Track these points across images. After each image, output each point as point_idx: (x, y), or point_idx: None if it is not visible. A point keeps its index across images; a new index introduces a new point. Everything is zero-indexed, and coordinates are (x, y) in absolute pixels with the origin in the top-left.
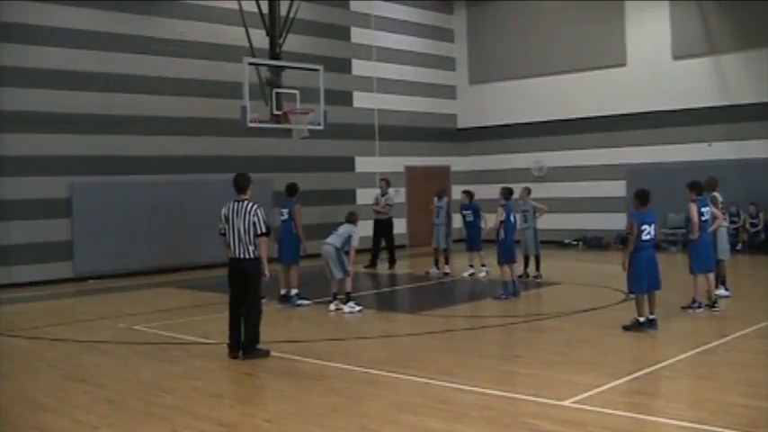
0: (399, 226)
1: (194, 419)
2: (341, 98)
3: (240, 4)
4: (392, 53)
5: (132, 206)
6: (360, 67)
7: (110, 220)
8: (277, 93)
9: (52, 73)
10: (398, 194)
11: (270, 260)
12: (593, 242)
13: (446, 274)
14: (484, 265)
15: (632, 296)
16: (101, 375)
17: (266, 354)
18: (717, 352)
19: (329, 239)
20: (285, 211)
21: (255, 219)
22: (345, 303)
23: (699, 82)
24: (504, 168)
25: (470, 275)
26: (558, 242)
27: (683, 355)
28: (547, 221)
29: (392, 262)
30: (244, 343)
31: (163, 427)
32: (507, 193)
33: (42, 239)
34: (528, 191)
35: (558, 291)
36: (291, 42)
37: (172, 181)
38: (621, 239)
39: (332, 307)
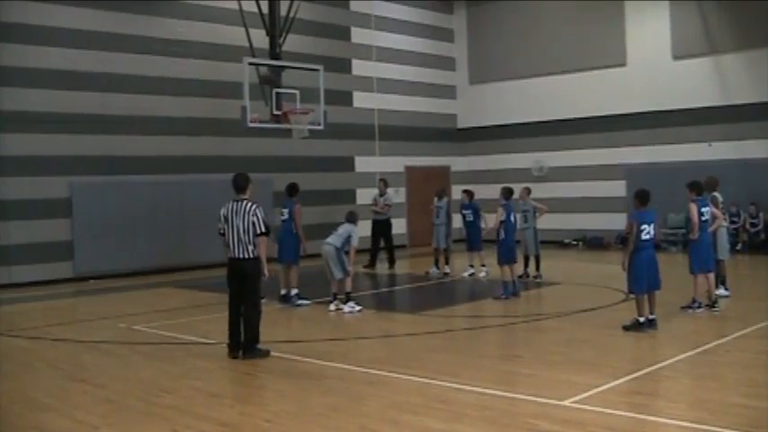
0: (399, 226)
1: (194, 419)
2: (341, 98)
3: (240, 4)
4: (392, 53)
5: (132, 206)
6: (360, 67)
7: (110, 220)
8: (277, 93)
9: (52, 73)
10: (398, 194)
11: (270, 260)
12: (593, 242)
13: (446, 274)
14: (484, 265)
15: (632, 296)
16: (101, 375)
17: (266, 354)
18: (717, 352)
19: (329, 239)
20: (285, 211)
21: (255, 218)
22: (345, 303)
23: (699, 82)
24: (504, 168)
25: (470, 275)
26: (558, 242)
27: (683, 355)
28: (547, 221)
29: (392, 262)
30: (244, 343)
31: (163, 427)
32: (507, 193)
33: (42, 239)
34: (528, 191)
35: (558, 291)
36: (291, 42)
37: (172, 181)
38: (621, 239)
39: (332, 307)
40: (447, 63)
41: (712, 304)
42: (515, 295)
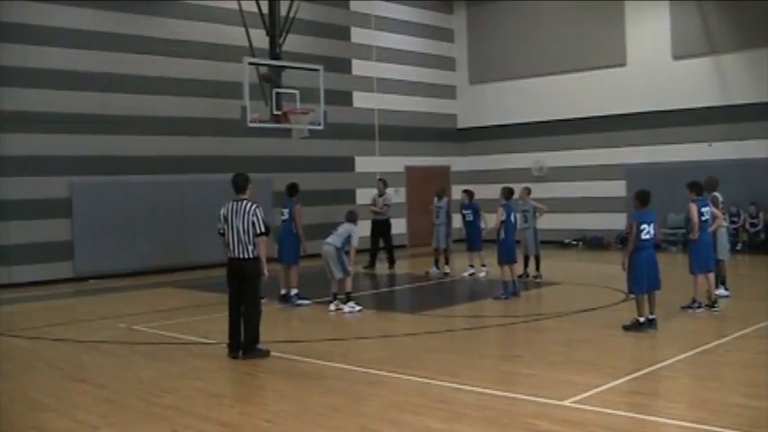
0: (400, 226)
1: (194, 419)
2: (341, 98)
3: (240, 4)
4: (392, 53)
5: (132, 206)
6: (360, 67)
7: (110, 220)
8: (277, 93)
9: (52, 73)
10: (398, 194)
11: (270, 260)
12: (593, 242)
13: (446, 274)
14: (484, 265)
15: (632, 296)
16: (101, 375)
17: (266, 354)
18: (717, 352)
19: (329, 239)
20: (286, 211)
21: (254, 218)
22: (345, 303)
23: (699, 82)
24: (504, 168)
25: (470, 275)
26: (558, 242)
27: (683, 355)
28: (547, 221)
29: (392, 262)
30: (244, 343)
31: (163, 427)
32: (508, 193)
33: (42, 239)
34: (528, 191)
35: (558, 291)
36: (291, 42)
37: (172, 181)
38: (621, 239)
39: (332, 307)
40: (447, 63)
41: (712, 304)
42: (515, 295)
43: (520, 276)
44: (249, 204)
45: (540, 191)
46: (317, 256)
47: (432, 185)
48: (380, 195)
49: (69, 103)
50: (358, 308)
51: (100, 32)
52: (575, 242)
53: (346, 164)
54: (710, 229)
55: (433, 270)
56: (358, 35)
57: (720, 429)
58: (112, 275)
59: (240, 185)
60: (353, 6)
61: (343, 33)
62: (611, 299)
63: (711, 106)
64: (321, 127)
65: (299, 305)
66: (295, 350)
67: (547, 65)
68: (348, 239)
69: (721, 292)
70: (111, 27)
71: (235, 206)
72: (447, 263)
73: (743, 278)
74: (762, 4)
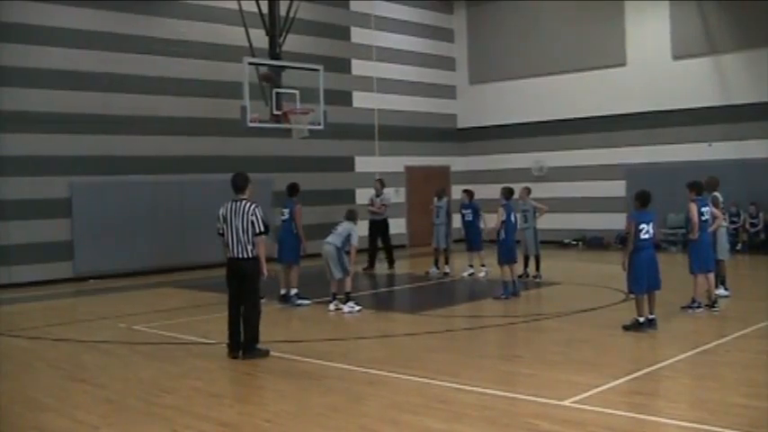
0: (400, 226)
1: (194, 419)
2: (341, 98)
3: (240, 4)
4: (392, 53)
5: (132, 206)
6: (360, 67)
7: (110, 220)
8: (277, 93)
9: (53, 73)
10: (398, 194)
11: (270, 260)
12: (593, 242)
13: (446, 274)
14: (483, 265)
15: (632, 296)
16: (101, 375)
17: (266, 354)
18: (717, 352)
19: (329, 239)
20: (286, 210)
21: (254, 218)
22: (345, 303)
23: (698, 82)
24: (504, 168)
25: (470, 275)
26: (558, 242)
27: (683, 355)
28: (547, 221)
29: (391, 262)
30: (243, 343)
31: (163, 427)
32: (508, 193)
33: (42, 239)
34: (528, 191)
35: (558, 291)
36: (291, 42)
37: (172, 181)
38: (621, 239)
39: (331, 307)
40: (447, 63)
41: (712, 304)
42: (515, 295)
43: (520, 276)
44: (248, 204)
45: (540, 191)
46: (318, 255)
47: (432, 185)
48: (378, 195)
49: (69, 103)
50: (358, 308)
51: (100, 32)
52: (575, 242)
53: (346, 164)
54: (710, 229)
55: (433, 270)
56: (358, 35)
57: (720, 429)
58: (112, 275)
59: (239, 185)
60: (353, 6)
61: (343, 33)
62: (611, 299)
63: (711, 106)
64: (321, 127)
65: (298, 305)
66: (295, 350)
67: (547, 65)
68: (348, 238)
69: (721, 292)
70: (111, 27)
71: (234, 206)
72: (447, 263)
73: (743, 278)
74: (762, 4)
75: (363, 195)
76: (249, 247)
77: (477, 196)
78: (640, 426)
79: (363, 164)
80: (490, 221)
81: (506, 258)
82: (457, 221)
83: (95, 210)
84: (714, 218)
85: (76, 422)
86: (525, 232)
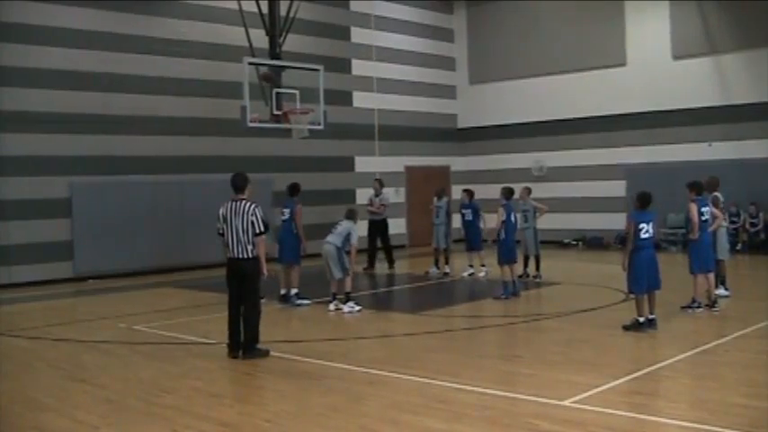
0: (400, 226)
1: (194, 419)
2: (341, 98)
3: (240, 4)
4: (392, 53)
5: (132, 206)
6: (360, 67)
7: (110, 220)
8: (277, 93)
9: (53, 73)
10: (398, 194)
11: (270, 260)
12: (592, 242)
13: (446, 274)
14: (483, 265)
15: (632, 296)
16: (101, 375)
17: (266, 354)
18: (717, 352)
19: (329, 238)
20: (286, 210)
21: (254, 218)
22: (345, 303)
23: (698, 82)
24: (504, 168)
25: (470, 275)
26: (557, 242)
27: (683, 355)
28: (547, 221)
29: (391, 262)
30: (243, 343)
31: (163, 427)
32: (508, 192)
33: (42, 239)
34: (528, 191)
35: (558, 291)
36: (291, 42)
37: (172, 181)
38: (621, 239)
39: (331, 307)
40: (447, 63)
41: (712, 304)
42: (515, 295)
43: (520, 276)
44: (248, 204)
45: (540, 191)
46: (318, 255)
47: (431, 185)
48: (377, 195)
49: (69, 103)
50: (357, 308)
51: (100, 32)
52: (575, 242)
53: (346, 164)
54: (710, 229)
55: (433, 270)
56: (358, 35)
57: (720, 429)
58: (112, 275)
59: (239, 185)
60: (353, 6)
61: (343, 33)
62: (611, 299)
63: (711, 106)
64: (321, 127)
65: (298, 305)
66: (295, 350)
67: (547, 65)
68: (348, 238)
69: (721, 292)
70: (111, 27)
71: (234, 206)
72: (447, 263)
73: (743, 278)
74: (762, 4)
75: (363, 195)
76: (249, 247)
77: (477, 196)
78: (640, 426)
79: (363, 164)
80: (490, 221)
81: (506, 258)
82: (457, 221)
83: (95, 210)
84: (714, 218)
85: (76, 422)
86: (525, 232)
